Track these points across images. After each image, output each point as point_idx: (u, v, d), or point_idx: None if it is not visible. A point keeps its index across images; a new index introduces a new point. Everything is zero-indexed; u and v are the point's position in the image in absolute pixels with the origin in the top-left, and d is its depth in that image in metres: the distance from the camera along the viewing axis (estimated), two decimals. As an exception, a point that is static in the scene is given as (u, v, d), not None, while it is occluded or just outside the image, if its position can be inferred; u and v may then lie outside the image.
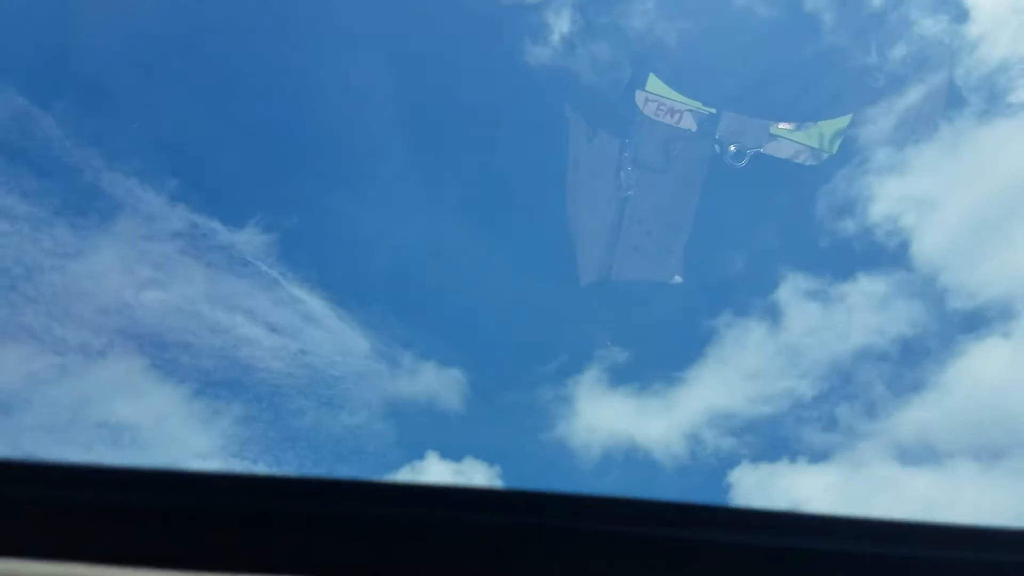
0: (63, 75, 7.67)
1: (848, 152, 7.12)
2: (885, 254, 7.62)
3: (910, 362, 7.65)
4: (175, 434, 7.45)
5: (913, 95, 6.82)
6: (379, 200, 8.19)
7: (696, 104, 5.97)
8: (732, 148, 5.98)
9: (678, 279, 6.65)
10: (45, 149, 7.47)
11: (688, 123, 6.00)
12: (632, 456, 7.81)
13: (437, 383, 7.87)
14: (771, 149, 6.06)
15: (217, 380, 7.64)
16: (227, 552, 0.70)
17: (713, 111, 5.98)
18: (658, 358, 7.99)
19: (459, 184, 8.17)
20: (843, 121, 6.15)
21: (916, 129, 6.84)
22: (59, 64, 7.70)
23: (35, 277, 7.30)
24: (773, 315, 7.78)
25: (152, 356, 7.47)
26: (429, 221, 8.22)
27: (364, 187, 8.20)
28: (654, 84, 5.98)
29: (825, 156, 6.12)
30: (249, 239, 7.81)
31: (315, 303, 7.87)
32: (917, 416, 7.60)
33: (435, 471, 7.44)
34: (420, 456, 7.74)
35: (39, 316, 7.25)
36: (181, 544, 0.71)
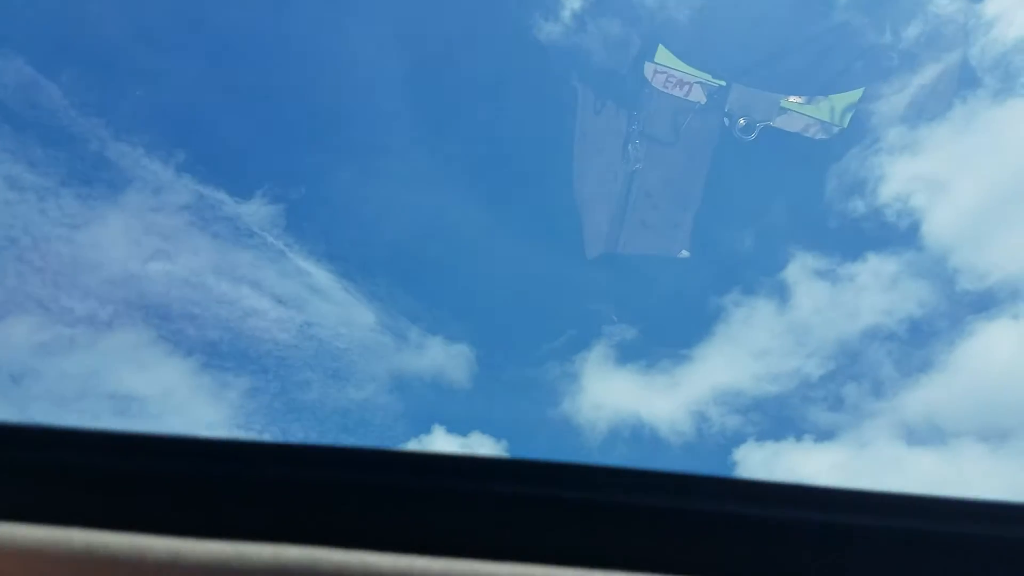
0: (69, 44, 7.64)
1: (859, 131, 7.05)
2: (895, 234, 7.56)
3: (918, 342, 7.62)
4: (181, 405, 7.50)
5: (926, 74, 6.73)
6: (386, 172, 8.17)
7: (705, 76, 5.90)
8: (741, 121, 5.91)
9: (685, 254, 6.61)
10: (51, 118, 7.46)
11: (697, 96, 5.94)
12: (638, 433, 7.82)
13: (444, 357, 7.88)
14: (781, 122, 5.99)
15: (223, 351, 7.67)
16: (226, 518, 0.70)
17: (723, 83, 5.91)
18: (665, 335, 7.97)
19: (466, 157, 8.13)
20: (854, 95, 6.07)
21: (929, 108, 6.74)
22: (65, 33, 7.67)
23: (42, 247, 7.32)
24: (781, 294, 7.75)
25: (158, 327, 7.50)
26: (436, 194, 8.20)
27: (371, 159, 8.17)
28: (663, 56, 5.91)
29: (836, 130, 6.06)
30: (255, 210, 7.81)
31: (321, 275, 7.88)
32: (924, 396, 7.57)
33: (442, 445, 7.48)
34: (427, 430, 7.78)
35: (46, 286, 7.29)
36: (182, 510, 0.70)
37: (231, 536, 0.67)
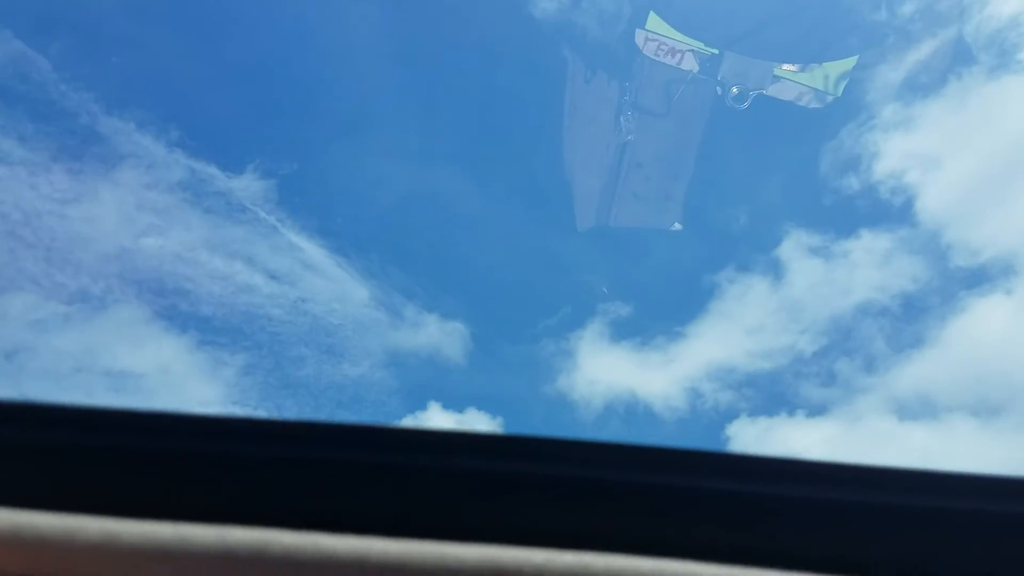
0: (58, 17, 7.57)
1: (854, 107, 6.98)
2: (889, 210, 7.53)
3: (911, 318, 7.62)
4: (175, 381, 7.52)
5: (921, 50, 6.65)
6: (377, 147, 8.11)
7: (698, 44, 5.81)
8: (734, 90, 5.84)
9: (678, 226, 6.57)
10: (41, 92, 7.41)
11: (689, 64, 5.86)
12: (632, 409, 7.84)
13: (439, 334, 7.88)
14: (774, 91, 5.91)
15: (217, 327, 7.67)
16: (166, 497, 0.65)
17: (715, 52, 5.82)
18: (659, 312, 7.97)
19: (458, 130, 8.06)
20: (848, 63, 5.98)
21: (923, 84, 6.67)
22: (54, 5, 7.59)
23: (33, 222, 7.30)
24: (775, 270, 7.73)
25: (152, 303, 7.50)
26: (428, 168, 8.15)
27: (362, 133, 8.11)
28: (654, 23, 5.82)
29: (830, 98, 5.98)
30: (247, 185, 7.77)
31: (314, 250, 7.86)
32: (916, 371, 7.58)
33: (437, 421, 7.50)
34: (422, 406, 7.80)
35: (38, 262, 7.27)
36: (117, 488, 0.66)
37: (171, 516, 0.62)
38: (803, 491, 0.65)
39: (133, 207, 7.62)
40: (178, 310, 7.55)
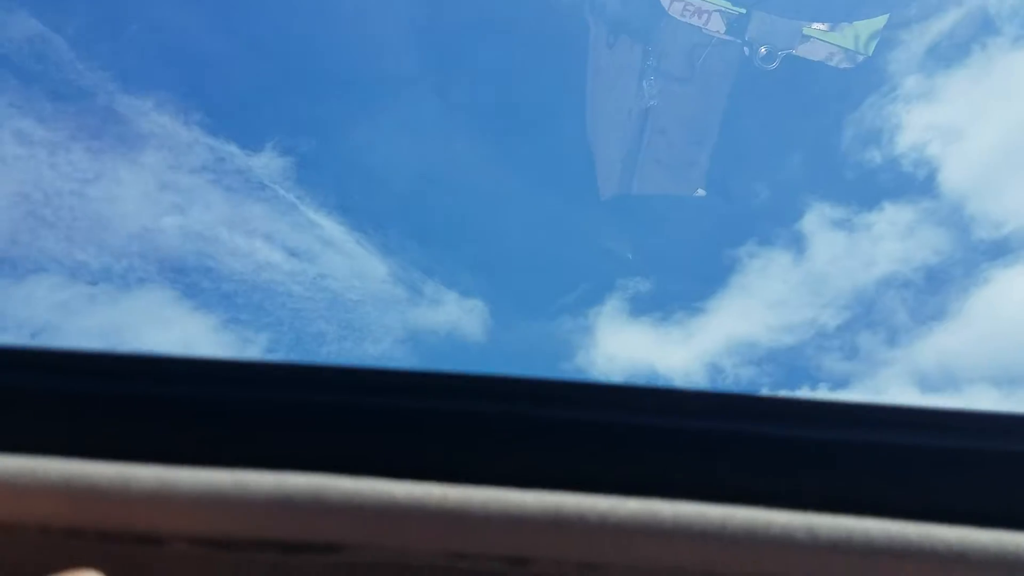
0: (72, -5, 7.55)
1: (876, 79, 6.83)
2: (912, 182, 7.41)
3: (933, 290, 7.52)
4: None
5: (945, 20, 6.47)
6: (396, 123, 8.04)
7: (725, 3, 5.66)
8: (763, 50, 5.68)
9: (701, 192, 6.44)
10: (58, 72, 7.40)
11: (716, 24, 5.70)
12: (652, 385, 7.78)
13: (459, 311, 7.85)
14: (803, 51, 5.75)
15: (239, 304, 7.69)
16: (222, 444, 0.64)
17: (743, 11, 5.67)
18: (679, 288, 7.90)
19: (476, 99, 7.98)
20: (879, 21, 5.80)
21: (946, 55, 6.48)
22: (67, -17, 7.57)
23: (54, 202, 7.32)
24: (797, 244, 7.62)
25: (174, 281, 7.52)
26: (446, 142, 8.08)
27: (380, 109, 8.04)
28: (680, -17, 5.67)
29: (860, 58, 5.80)
30: (266, 163, 7.75)
31: (332, 227, 7.84)
32: (938, 343, 7.50)
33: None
34: (441, 381, 7.78)
35: (60, 241, 7.30)
36: (171, 436, 0.65)
37: (227, 463, 0.61)
38: (878, 436, 0.63)
39: (152, 185, 7.62)
40: (200, 287, 7.57)
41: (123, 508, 0.58)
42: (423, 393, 0.66)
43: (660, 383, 0.65)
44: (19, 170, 7.31)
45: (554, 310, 7.97)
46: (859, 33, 5.78)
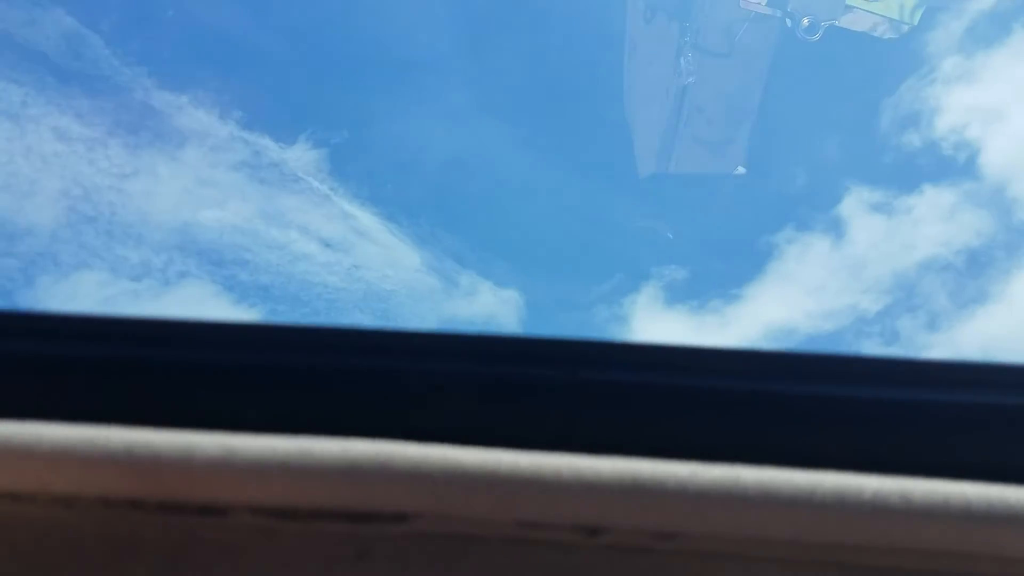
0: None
1: (914, 61, 6.70)
2: (952, 165, 7.28)
3: (975, 273, 7.37)
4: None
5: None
6: (427, 110, 8.04)
7: (765, -25, 5.56)
8: (805, 21, 5.57)
9: (741, 170, 6.34)
10: (95, 69, 7.50)
11: (755, -3, 5.61)
12: (732, 347, 7.72)
13: (493, 301, 7.84)
14: (847, 22, 5.63)
15: (276, 296, 7.74)
16: (286, 411, 0.62)
17: (783, -17, 5.57)
18: (716, 275, 7.81)
19: (509, 85, 7.95)
20: (925, -12, 5.67)
21: (985, 35, 6.33)
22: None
23: (93, 197, 7.42)
24: (836, 229, 7.51)
25: (210, 272, 7.59)
26: (478, 131, 8.05)
27: (412, 98, 8.04)
28: (719, -45, 5.58)
29: (905, 28, 5.67)
30: (300, 155, 7.79)
31: (366, 218, 7.86)
32: (980, 327, 7.36)
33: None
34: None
35: (99, 236, 7.40)
36: (235, 402, 0.63)
37: (292, 431, 0.59)
38: (978, 396, 0.61)
39: (189, 179, 7.70)
40: (237, 280, 7.63)
41: (185, 477, 0.57)
42: (491, 359, 0.64)
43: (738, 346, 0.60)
44: (59, 167, 7.41)
45: (590, 299, 7.92)
46: (904, 2, 5.65)
